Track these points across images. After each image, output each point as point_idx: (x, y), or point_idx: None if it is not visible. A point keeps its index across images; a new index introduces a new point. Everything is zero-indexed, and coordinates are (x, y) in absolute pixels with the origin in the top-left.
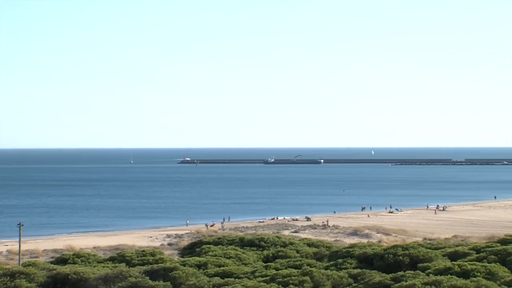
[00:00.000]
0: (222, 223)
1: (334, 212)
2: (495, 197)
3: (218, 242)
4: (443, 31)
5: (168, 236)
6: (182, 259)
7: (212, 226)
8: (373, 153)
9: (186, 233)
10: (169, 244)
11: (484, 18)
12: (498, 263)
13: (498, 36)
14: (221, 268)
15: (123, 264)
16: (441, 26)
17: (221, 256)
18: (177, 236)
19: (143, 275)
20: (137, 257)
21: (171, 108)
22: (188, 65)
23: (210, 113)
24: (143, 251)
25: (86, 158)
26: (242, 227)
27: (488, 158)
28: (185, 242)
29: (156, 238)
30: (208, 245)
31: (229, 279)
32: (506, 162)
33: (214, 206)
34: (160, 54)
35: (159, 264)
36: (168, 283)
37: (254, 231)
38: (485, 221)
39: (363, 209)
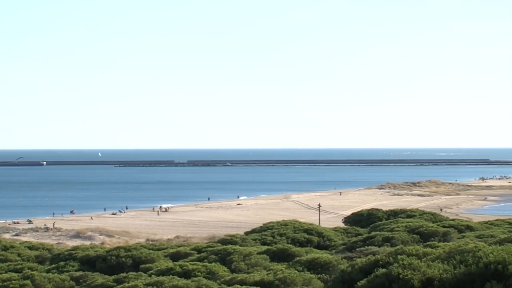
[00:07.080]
0: None
1: (53, 214)
2: (208, 199)
3: None
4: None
5: None
6: None
7: None
8: (100, 155)
9: None
10: None
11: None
12: (218, 263)
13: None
14: None
15: None
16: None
17: None
18: None
19: None
20: None
21: None
22: None
23: None
24: None
25: None
26: None
27: (210, 160)
28: None
29: None
30: None
31: None
32: (229, 164)
33: None
34: None
35: None
36: None
37: None
38: (206, 221)
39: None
